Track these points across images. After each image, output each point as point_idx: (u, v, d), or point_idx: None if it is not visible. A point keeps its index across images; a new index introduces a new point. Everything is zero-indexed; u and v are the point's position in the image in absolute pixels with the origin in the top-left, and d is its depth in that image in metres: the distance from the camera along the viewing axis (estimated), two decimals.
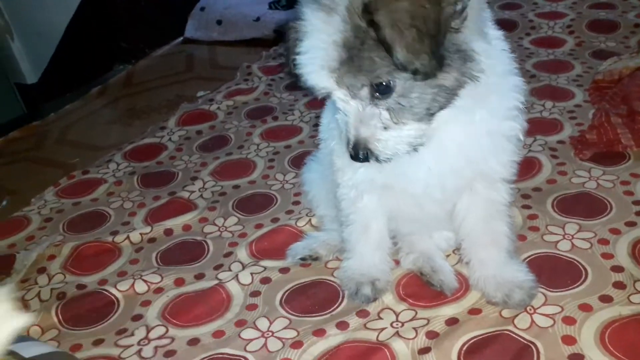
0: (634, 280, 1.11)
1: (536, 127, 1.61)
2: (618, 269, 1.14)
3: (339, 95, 0.91)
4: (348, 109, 0.92)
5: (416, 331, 1.07)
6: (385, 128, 0.90)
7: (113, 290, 1.27)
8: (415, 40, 0.80)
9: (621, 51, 1.93)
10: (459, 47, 0.86)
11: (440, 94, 0.88)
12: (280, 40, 1.02)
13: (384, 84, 0.86)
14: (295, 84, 1.00)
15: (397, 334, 1.07)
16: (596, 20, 2.17)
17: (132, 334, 1.16)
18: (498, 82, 0.95)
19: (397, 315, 1.12)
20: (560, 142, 1.56)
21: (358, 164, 1.02)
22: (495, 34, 0.96)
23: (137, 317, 1.20)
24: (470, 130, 0.97)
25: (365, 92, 0.89)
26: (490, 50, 0.91)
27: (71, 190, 1.70)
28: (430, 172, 1.00)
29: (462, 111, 0.92)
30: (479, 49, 0.87)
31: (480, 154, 1.00)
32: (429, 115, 0.90)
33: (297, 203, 1.50)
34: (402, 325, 1.09)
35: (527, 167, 1.46)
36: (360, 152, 0.92)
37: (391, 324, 1.10)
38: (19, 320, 0.74)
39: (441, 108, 0.90)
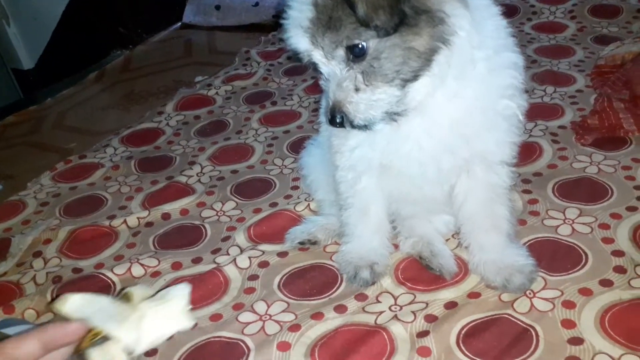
0: (635, 265, 1.10)
1: (537, 112, 1.60)
2: (619, 253, 1.13)
3: (317, 56, 0.92)
4: (329, 73, 0.93)
5: (415, 315, 1.06)
6: (356, 90, 0.90)
7: (109, 274, 1.26)
8: None
9: (623, 36, 1.91)
10: (426, 7, 0.85)
11: (411, 57, 0.87)
12: (280, 25, 0.99)
13: (358, 46, 0.87)
14: (295, 67, 1.00)
15: (395, 317, 1.06)
16: (598, 5, 2.14)
17: None
18: (490, 57, 0.94)
19: (395, 298, 1.11)
20: (561, 127, 1.54)
21: (352, 143, 1.03)
22: (485, 4, 0.95)
23: None
24: (462, 106, 0.95)
25: (340, 53, 0.89)
26: (479, 21, 0.90)
27: (68, 174, 1.68)
28: (423, 149, 0.99)
29: (449, 84, 0.91)
30: (452, 12, 0.86)
31: (473, 130, 0.99)
32: (402, 79, 0.89)
33: (295, 188, 1.49)
34: (401, 308, 1.09)
35: (527, 151, 1.45)
36: (336, 116, 0.92)
37: (389, 308, 1.09)
38: (185, 323, 0.74)
39: (415, 73, 0.89)
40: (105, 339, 0.69)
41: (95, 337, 0.69)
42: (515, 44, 1.00)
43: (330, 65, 0.91)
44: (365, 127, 0.93)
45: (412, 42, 0.86)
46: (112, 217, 1.46)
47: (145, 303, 0.73)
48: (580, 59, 1.85)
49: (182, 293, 0.75)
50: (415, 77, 0.89)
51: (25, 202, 1.58)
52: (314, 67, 0.95)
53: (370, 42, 0.87)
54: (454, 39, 0.87)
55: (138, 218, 1.44)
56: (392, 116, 0.92)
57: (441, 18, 0.85)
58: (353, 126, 0.93)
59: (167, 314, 0.73)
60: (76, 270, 1.30)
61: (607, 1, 2.16)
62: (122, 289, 0.82)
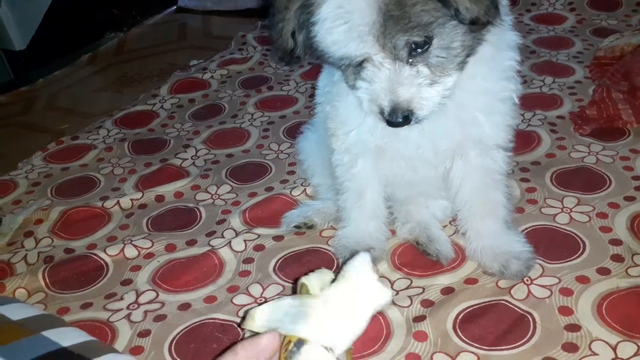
0: (632, 254, 1.10)
1: (536, 101, 1.60)
2: (616, 242, 1.13)
3: (377, 59, 0.85)
4: (379, 75, 0.86)
5: (411, 299, 1.06)
6: (431, 84, 0.86)
7: (102, 255, 1.24)
8: None
9: (622, 29, 1.91)
10: None
11: (474, 40, 0.86)
12: (270, 11, 0.95)
13: (426, 39, 0.82)
14: (289, 59, 0.95)
15: (392, 302, 1.05)
16: None
17: (122, 298, 1.14)
18: (498, 36, 0.93)
19: (392, 283, 1.10)
20: (559, 117, 1.54)
21: (350, 126, 1.01)
22: None
23: (127, 282, 1.18)
24: (470, 87, 0.94)
25: (405, 51, 0.84)
26: None
27: (60, 155, 1.66)
28: (423, 131, 0.98)
29: (468, 66, 0.90)
30: None
31: (471, 113, 0.98)
32: (465, 63, 0.88)
33: (292, 173, 1.47)
34: (397, 293, 1.08)
35: (526, 141, 1.44)
36: (400, 116, 0.87)
37: None
38: (381, 295, 0.67)
39: (474, 54, 0.88)
40: (300, 343, 0.64)
41: (289, 346, 0.64)
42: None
43: (392, 65, 0.85)
44: (423, 119, 0.89)
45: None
46: (104, 199, 1.43)
47: (327, 289, 0.67)
48: (579, 51, 1.85)
49: (362, 264, 0.67)
50: (471, 57, 0.88)
51: (16, 181, 1.55)
52: (350, 70, 0.89)
53: (437, 33, 0.82)
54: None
55: (131, 200, 1.42)
56: (446, 101, 0.90)
57: (502, 0, 0.85)
58: (417, 121, 0.89)
59: (354, 293, 0.65)
60: (68, 250, 1.28)
61: None
62: (297, 279, 0.72)
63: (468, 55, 0.88)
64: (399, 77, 0.85)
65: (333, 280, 0.69)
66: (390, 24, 0.80)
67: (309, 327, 0.64)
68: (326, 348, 0.64)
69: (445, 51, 0.85)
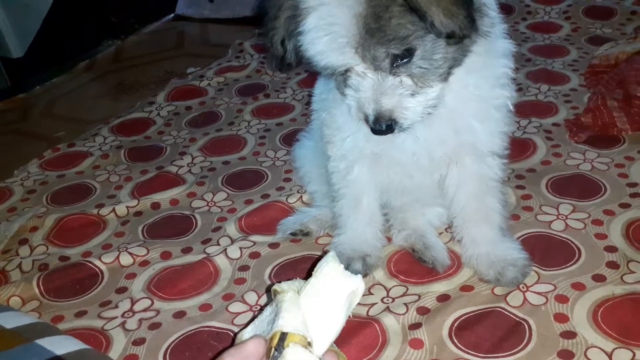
0: (628, 261, 1.10)
1: (531, 109, 1.61)
2: (612, 249, 1.13)
3: (359, 69, 0.86)
4: (363, 84, 0.87)
5: (407, 307, 1.05)
6: (412, 95, 0.87)
7: (97, 263, 1.23)
8: (452, 4, 0.78)
9: (617, 38, 1.92)
10: (479, 4, 0.84)
11: (458, 51, 0.87)
12: (264, 19, 0.96)
13: (408, 50, 0.83)
14: (281, 66, 0.97)
15: (387, 309, 1.05)
16: (593, 7, 2.15)
17: (116, 306, 1.13)
18: (490, 44, 0.93)
19: (387, 291, 1.10)
20: (555, 124, 1.54)
21: (345, 133, 1.01)
22: None
23: (122, 290, 1.17)
24: (463, 96, 0.95)
25: (387, 61, 0.85)
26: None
27: (56, 162, 1.65)
28: (418, 138, 0.98)
29: (459, 73, 0.90)
30: (489, 4, 0.86)
31: (466, 120, 0.98)
32: (449, 74, 0.88)
33: (288, 180, 1.47)
34: (393, 300, 1.07)
35: (521, 148, 1.45)
36: (383, 124, 0.88)
37: (382, 300, 1.08)
38: (353, 282, 0.68)
39: (459, 65, 0.88)
40: (282, 339, 0.64)
41: (272, 343, 0.65)
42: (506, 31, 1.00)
43: (374, 75, 0.86)
44: (409, 128, 0.90)
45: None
46: (100, 206, 1.43)
47: (300, 289, 0.68)
48: (574, 59, 1.86)
49: (328, 261, 0.69)
50: (456, 68, 0.89)
51: (11, 189, 1.55)
52: (338, 78, 0.91)
53: (418, 44, 0.84)
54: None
55: (127, 207, 1.41)
56: (433, 109, 0.91)
57: (485, 12, 0.86)
58: (402, 130, 0.90)
59: (324, 286, 0.67)
60: (63, 258, 1.27)
61: (601, 3, 2.17)
62: (271, 285, 0.76)
63: (452, 67, 0.89)
64: (382, 86, 0.87)
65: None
66: (369, 36, 0.82)
67: (285, 320, 0.66)
68: (307, 343, 0.65)
69: (427, 62, 0.86)
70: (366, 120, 0.90)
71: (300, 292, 0.69)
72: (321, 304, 0.68)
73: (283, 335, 0.65)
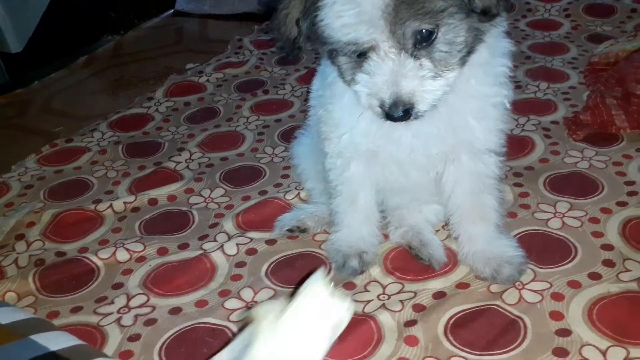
0: (624, 259, 1.10)
1: (530, 107, 1.60)
2: (608, 247, 1.13)
3: (384, 47, 0.84)
4: (382, 67, 0.85)
5: (403, 304, 1.05)
6: (433, 77, 0.86)
7: (94, 258, 1.23)
8: None
9: (617, 35, 1.92)
10: None
11: (476, 38, 0.87)
12: (270, 12, 0.95)
13: (431, 31, 0.83)
14: (291, 50, 0.95)
15: (383, 306, 1.05)
16: (593, 4, 2.14)
17: (112, 302, 1.13)
18: (494, 43, 0.94)
19: (384, 288, 1.10)
20: (553, 122, 1.54)
21: (343, 129, 1.00)
22: None
23: (118, 285, 1.17)
24: (463, 91, 0.95)
25: (411, 42, 0.83)
26: None
27: (54, 158, 1.65)
28: (416, 135, 0.98)
29: (464, 69, 0.90)
30: None
31: (464, 117, 0.98)
32: (466, 61, 0.88)
33: (286, 177, 1.47)
34: (389, 297, 1.07)
35: (520, 146, 1.45)
36: (400, 109, 0.86)
37: (378, 297, 1.08)
38: (339, 312, 0.62)
39: (472, 53, 0.89)
40: None
41: None
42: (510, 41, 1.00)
43: (396, 56, 0.84)
44: (422, 116, 0.89)
45: (479, 23, 0.86)
46: (97, 202, 1.43)
47: (279, 314, 0.62)
48: (574, 57, 1.85)
49: (314, 282, 0.62)
50: (472, 55, 0.89)
51: (8, 184, 1.54)
52: (352, 62, 0.89)
53: (443, 25, 0.83)
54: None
55: (124, 203, 1.41)
56: (443, 100, 0.90)
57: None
58: (416, 117, 0.88)
59: (306, 313, 0.61)
60: (59, 253, 1.27)
61: (601, 0, 2.16)
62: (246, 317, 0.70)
63: (469, 53, 0.89)
64: (403, 69, 0.85)
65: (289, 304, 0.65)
66: (403, 9, 0.80)
67: (254, 356, 0.60)
68: None
69: (448, 46, 0.85)
70: (381, 106, 0.88)
71: (282, 312, 0.63)
72: (302, 333, 0.62)
73: None
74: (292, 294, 0.65)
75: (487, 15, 0.83)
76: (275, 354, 0.61)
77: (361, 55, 0.87)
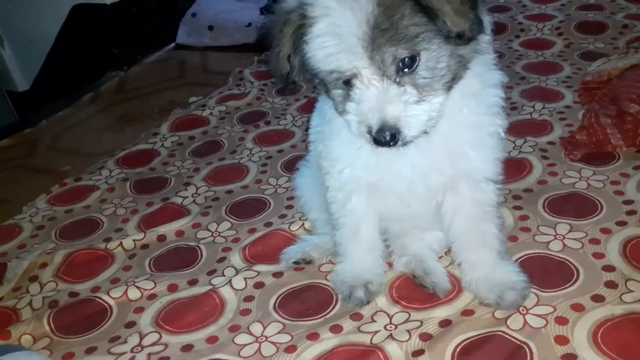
0: (626, 280, 1.11)
1: (526, 128, 1.63)
2: (609, 268, 1.14)
3: (366, 74, 0.88)
4: (367, 94, 0.89)
5: (410, 333, 1.07)
6: (417, 102, 0.88)
7: (106, 298, 1.26)
8: (462, 3, 0.81)
9: (610, 52, 1.95)
10: (479, 18, 0.87)
11: (460, 64, 0.89)
12: (266, 43, 0.99)
13: (409, 57, 0.86)
14: (286, 85, 0.99)
15: (390, 336, 1.07)
16: (585, 22, 2.19)
17: (125, 341, 1.15)
18: (484, 73, 0.97)
19: (390, 317, 1.12)
20: (550, 143, 1.57)
21: (342, 164, 1.02)
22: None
23: (130, 324, 1.20)
24: (457, 121, 0.97)
25: (392, 68, 0.87)
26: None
27: (63, 197, 1.69)
28: (414, 167, 1.01)
29: (454, 99, 0.93)
30: (486, 22, 0.89)
31: (460, 148, 1.01)
32: (451, 87, 0.90)
33: (290, 207, 1.50)
34: (396, 327, 1.09)
35: (517, 168, 1.47)
36: (387, 134, 0.89)
37: (385, 327, 1.10)
38: None
39: (458, 81, 0.91)
40: None
41: None
42: (504, 61, 1.03)
43: (379, 83, 0.88)
44: (411, 142, 0.91)
45: (461, 50, 0.89)
46: (108, 240, 1.46)
47: None
48: (567, 75, 1.89)
49: None
50: (457, 82, 0.91)
51: (20, 225, 1.58)
52: (339, 92, 0.92)
53: (423, 51, 0.86)
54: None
55: (134, 240, 1.44)
56: (434, 125, 0.92)
57: (485, 27, 0.89)
58: (404, 143, 0.90)
59: None
60: (72, 294, 1.30)
61: (593, 18, 2.20)
62: None
63: (453, 79, 0.91)
64: (387, 95, 0.88)
65: None
66: (379, 36, 0.84)
67: None
68: None
69: (431, 72, 0.88)
70: (369, 132, 0.90)
71: None
72: None
73: None
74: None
75: (462, 39, 0.85)
76: None
77: (347, 83, 0.91)
